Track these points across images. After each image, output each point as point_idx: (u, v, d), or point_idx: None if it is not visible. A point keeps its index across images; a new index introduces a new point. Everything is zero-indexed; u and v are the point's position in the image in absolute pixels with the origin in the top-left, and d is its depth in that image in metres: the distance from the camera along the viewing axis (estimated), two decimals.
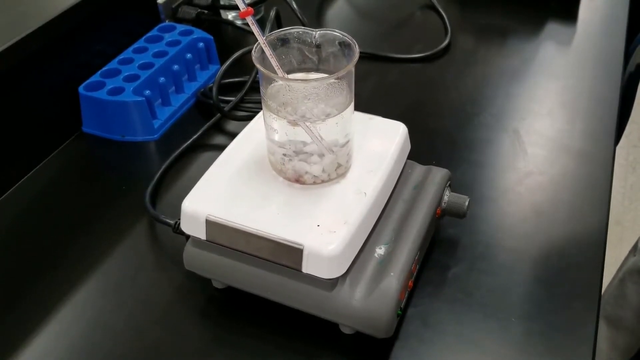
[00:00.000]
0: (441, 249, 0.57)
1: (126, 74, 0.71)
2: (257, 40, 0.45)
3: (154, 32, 0.78)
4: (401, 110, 0.75)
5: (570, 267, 0.55)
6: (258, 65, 0.45)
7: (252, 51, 0.45)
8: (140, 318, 0.52)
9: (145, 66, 0.72)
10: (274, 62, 0.46)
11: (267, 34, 0.47)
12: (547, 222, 0.60)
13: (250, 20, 0.45)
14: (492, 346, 0.49)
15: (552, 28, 0.89)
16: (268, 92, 0.47)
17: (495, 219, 0.60)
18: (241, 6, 0.45)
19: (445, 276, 0.54)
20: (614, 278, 0.82)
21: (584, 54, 0.84)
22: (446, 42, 0.85)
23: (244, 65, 0.78)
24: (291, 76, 0.49)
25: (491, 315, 0.51)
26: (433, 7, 0.93)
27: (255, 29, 0.45)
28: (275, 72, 0.46)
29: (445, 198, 0.55)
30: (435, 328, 0.50)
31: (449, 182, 0.56)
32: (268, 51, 0.46)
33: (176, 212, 0.50)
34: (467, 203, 0.55)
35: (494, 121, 0.73)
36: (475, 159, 0.67)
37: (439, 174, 0.55)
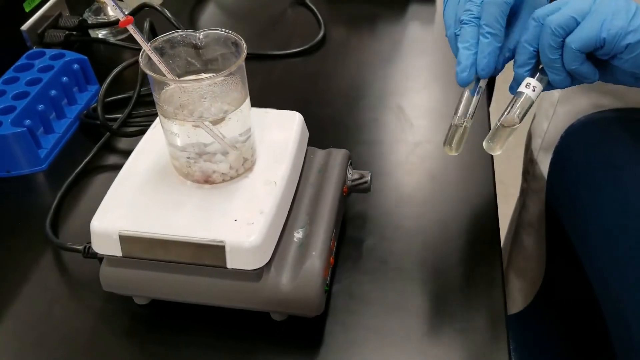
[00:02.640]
0: (353, 225, 0.59)
1: (0, 106, 0.67)
2: (138, 50, 0.45)
3: (22, 60, 0.74)
4: (290, 103, 0.75)
5: (469, 220, 0.60)
6: (147, 71, 0.45)
7: (139, 58, 0.45)
8: (64, 351, 0.50)
9: (19, 96, 0.68)
10: (162, 67, 0.46)
11: (151, 41, 0.47)
12: (441, 185, 0.64)
13: (131, 28, 0.45)
14: (414, 304, 0.52)
15: (415, 9, 0.95)
16: (162, 97, 0.47)
17: (396, 189, 0.64)
18: (120, 16, 0.45)
19: (361, 250, 0.57)
20: (508, 232, 0.89)
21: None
22: (321, 35, 0.88)
23: (125, 81, 0.76)
24: (182, 79, 0.49)
25: (408, 278, 0.54)
26: (303, 3, 0.96)
27: (138, 36, 0.45)
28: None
29: (349, 176, 0.57)
30: (361, 298, 0.53)
31: (349, 161, 0.58)
32: (155, 57, 0.45)
33: (82, 237, 0.49)
34: (369, 177, 0.57)
35: (377, 102, 0.77)
36: (368, 138, 0.71)
37: (339, 154, 0.57)
